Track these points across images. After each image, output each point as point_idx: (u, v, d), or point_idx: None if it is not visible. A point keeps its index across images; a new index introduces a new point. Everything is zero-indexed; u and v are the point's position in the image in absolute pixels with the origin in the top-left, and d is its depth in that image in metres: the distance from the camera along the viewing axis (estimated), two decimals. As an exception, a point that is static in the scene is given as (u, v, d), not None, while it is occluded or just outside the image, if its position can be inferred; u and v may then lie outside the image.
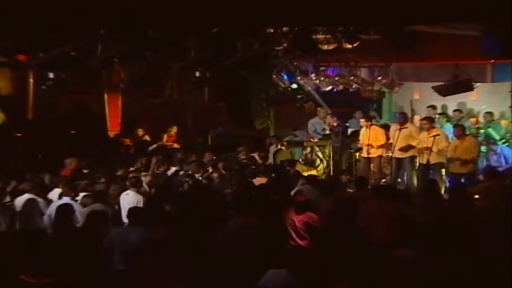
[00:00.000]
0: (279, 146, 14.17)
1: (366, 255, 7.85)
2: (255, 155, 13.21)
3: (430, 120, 11.97)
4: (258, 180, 10.30)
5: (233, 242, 7.47)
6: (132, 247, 7.09)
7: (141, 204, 8.95)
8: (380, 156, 12.54)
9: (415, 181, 11.84)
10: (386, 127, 13.03)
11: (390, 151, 12.33)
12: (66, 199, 8.65)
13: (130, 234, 7.35)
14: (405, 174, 12.16)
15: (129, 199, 9.01)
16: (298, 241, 7.81)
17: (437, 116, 12.99)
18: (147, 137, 15.76)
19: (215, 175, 10.78)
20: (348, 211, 8.14)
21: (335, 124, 13.53)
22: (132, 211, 7.87)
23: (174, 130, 16.53)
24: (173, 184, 10.32)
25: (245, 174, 10.98)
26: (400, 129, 11.74)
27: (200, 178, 10.66)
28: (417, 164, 12.08)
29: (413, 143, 11.74)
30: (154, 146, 15.30)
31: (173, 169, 11.75)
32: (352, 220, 8.03)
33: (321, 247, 8.12)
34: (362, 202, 8.35)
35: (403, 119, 12.18)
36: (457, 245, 6.95)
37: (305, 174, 11.94)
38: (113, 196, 9.25)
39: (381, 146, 12.41)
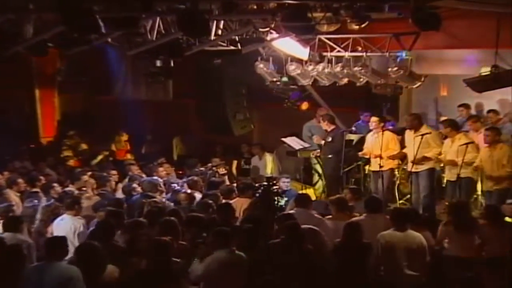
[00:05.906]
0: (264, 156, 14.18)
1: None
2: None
3: (450, 124, 11.90)
4: (239, 202, 10.28)
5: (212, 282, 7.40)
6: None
7: (81, 230, 8.97)
8: (391, 170, 12.52)
9: (425, 201, 11.79)
10: (403, 133, 12.98)
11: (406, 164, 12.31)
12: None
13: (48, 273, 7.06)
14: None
15: (65, 226, 8.96)
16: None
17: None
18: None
19: (182, 195, 10.74)
20: (356, 242, 8.04)
21: (329, 129, 13.43)
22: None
23: (124, 137, 16.45)
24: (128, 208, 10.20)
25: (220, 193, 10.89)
26: (421, 135, 11.64)
27: (163, 199, 10.55)
28: (444, 181, 12.06)
29: (428, 154, 11.71)
30: (99, 158, 15.17)
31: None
32: (362, 254, 7.94)
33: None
34: (375, 230, 8.27)
35: (412, 122, 12.11)
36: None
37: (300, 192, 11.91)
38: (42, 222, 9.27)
39: (392, 157, 12.34)
